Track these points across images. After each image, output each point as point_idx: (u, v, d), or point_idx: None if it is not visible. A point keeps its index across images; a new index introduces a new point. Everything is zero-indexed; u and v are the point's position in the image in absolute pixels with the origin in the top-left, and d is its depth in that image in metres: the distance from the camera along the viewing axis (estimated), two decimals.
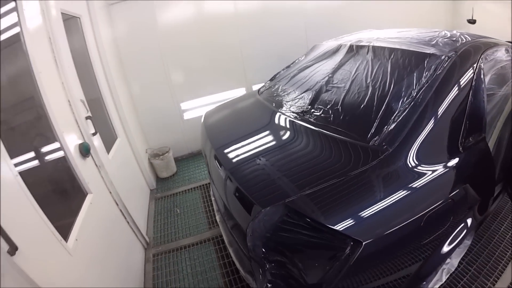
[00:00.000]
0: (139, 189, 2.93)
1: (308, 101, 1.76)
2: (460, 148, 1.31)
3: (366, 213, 1.07)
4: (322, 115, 1.60)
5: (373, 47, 1.80)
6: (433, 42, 1.64)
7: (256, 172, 1.36)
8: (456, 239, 1.33)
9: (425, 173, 1.20)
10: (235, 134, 1.76)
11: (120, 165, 2.43)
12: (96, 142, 1.93)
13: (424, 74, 1.43)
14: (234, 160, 1.49)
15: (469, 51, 1.50)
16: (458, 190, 1.26)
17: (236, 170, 1.41)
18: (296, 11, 3.55)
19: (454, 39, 1.64)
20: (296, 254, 1.10)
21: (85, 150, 1.72)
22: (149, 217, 2.81)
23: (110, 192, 2.02)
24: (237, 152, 1.55)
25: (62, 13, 1.81)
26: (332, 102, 1.63)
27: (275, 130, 1.67)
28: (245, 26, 3.44)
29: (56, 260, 1.18)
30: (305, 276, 1.05)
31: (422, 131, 1.26)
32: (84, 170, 1.69)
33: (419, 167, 1.21)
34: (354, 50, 1.90)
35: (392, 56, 1.65)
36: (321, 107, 1.65)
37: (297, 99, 1.84)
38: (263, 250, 1.10)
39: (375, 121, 1.36)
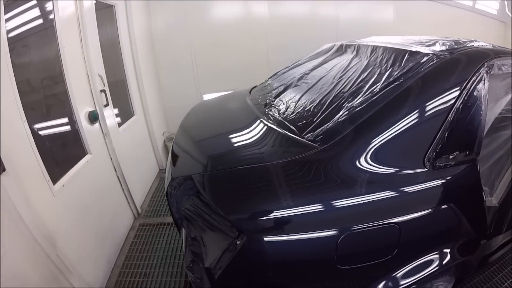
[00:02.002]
0: (147, 166, 3.36)
1: (274, 95, 1.88)
2: (426, 164, 1.15)
3: (267, 207, 1.04)
4: (278, 107, 1.67)
5: (358, 45, 1.81)
6: (433, 44, 1.52)
7: (195, 148, 1.54)
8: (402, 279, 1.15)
9: (359, 181, 1.11)
10: (206, 123, 1.97)
11: (130, 139, 2.85)
12: (107, 113, 2.34)
13: (395, 72, 1.35)
14: (184, 137, 1.70)
15: (469, 55, 1.34)
16: (412, 215, 1.10)
17: (180, 143, 1.60)
18: (328, 22, 3.72)
19: (464, 43, 1.47)
20: (201, 232, 1.13)
21: (93, 117, 2.14)
22: (149, 192, 3.21)
23: (111, 159, 2.43)
24: (194, 133, 1.75)
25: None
26: (291, 97, 1.71)
27: (237, 116, 1.86)
28: (275, 33, 3.72)
29: (39, 195, 1.55)
30: (205, 257, 1.08)
31: (369, 133, 1.18)
32: (88, 133, 2.10)
33: (356, 172, 1.11)
34: (342, 49, 1.98)
35: (371, 54, 1.63)
36: (281, 100, 1.75)
37: (269, 93, 1.96)
38: (181, 222, 1.24)
39: (319, 117, 1.36)
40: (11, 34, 1.50)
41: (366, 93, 1.35)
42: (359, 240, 1.06)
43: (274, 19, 3.70)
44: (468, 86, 1.25)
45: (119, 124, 2.70)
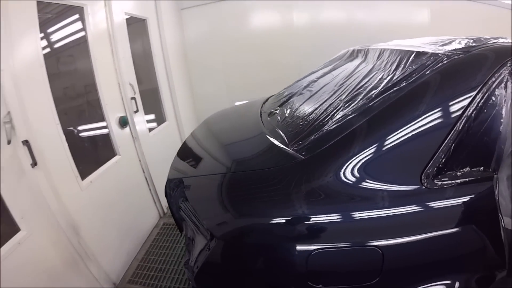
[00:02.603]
0: None
1: (279, 103, 1.90)
2: (423, 181, 1.02)
3: (239, 214, 1.10)
4: (277, 116, 1.69)
5: (367, 50, 1.73)
6: (449, 42, 1.38)
7: (191, 154, 1.67)
8: None
9: (338, 195, 1.05)
10: (213, 131, 2.04)
11: (161, 143, 3.11)
12: (137, 118, 2.61)
13: (396, 77, 1.27)
14: (189, 144, 1.85)
15: (488, 53, 1.18)
16: (399, 239, 0.99)
17: (184, 148, 1.76)
18: (359, 26, 3.64)
19: (485, 41, 1.31)
20: (192, 232, 1.20)
21: (123, 122, 2.41)
22: None
23: (140, 160, 2.68)
24: (197, 140, 1.86)
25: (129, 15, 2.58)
26: (291, 106, 1.70)
27: (243, 126, 1.90)
28: (305, 40, 3.75)
29: (68, 188, 1.80)
30: (191, 256, 1.17)
31: (359, 143, 1.11)
32: (118, 137, 2.37)
33: (336, 186, 1.05)
34: (354, 54, 1.92)
35: (378, 58, 1.55)
36: (282, 109, 1.75)
37: (277, 101, 1.97)
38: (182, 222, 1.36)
39: (310, 126, 1.34)
40: (48, 50, 1.80)
41: (361, 101, 1.28)
42: (333, 259, 1.00)
43: (303, 27, 3.74)
44: (485, 89, 1.08)
45: (151, 129, 2.96)
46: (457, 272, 1.06)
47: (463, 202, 1.03)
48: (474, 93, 1.08)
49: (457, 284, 1.04)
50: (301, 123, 1.43)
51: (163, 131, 3.24)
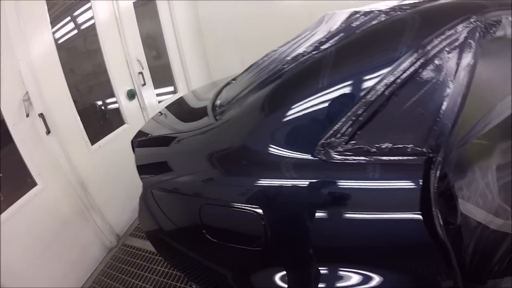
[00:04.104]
0: None
1: (231, 78, 1.95)
2: (317, 152, 0.98)
3: (156, 171, 1.36)
4: (229, 88, 1.74)
5: (334, 13, 1.56)
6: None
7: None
8: None
9: (236, 158, 1.12)
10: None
11: None
12: (144, 91, 2.98)
13: (323, 41, 1.22)
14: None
15: (435, 9, 1.07)
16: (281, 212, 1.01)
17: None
18: None
19: None
20: None
21: (131, 94, 2.80)
22: None
23: None
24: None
25: None
26: (236, 80, 1.78)
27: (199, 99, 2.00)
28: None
29: (78, 151, 2.25)
30: None
31: (265, 109, 1.16)
32: (127, 108, 2.77)
33: (238, 150, 1.13)
34: (321, 20, 1.69)
35: (328, 23, 1.45)
36: (230, 83, 1.85)
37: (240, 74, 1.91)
38: None
39: (237, 95, 1.41)
40: (60, 36, 2.18)
41: (278, 69, 1.27)
42: (219, 215, 1.12)
43: None
44: (421, 52, 0.95)
45: (160, 101, 3.34)
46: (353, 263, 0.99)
47: (373, 183, 0.94)
48: (402, 56, 0.96)
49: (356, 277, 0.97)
50: (234, 94, 1.48)
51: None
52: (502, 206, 1.15)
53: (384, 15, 1.12)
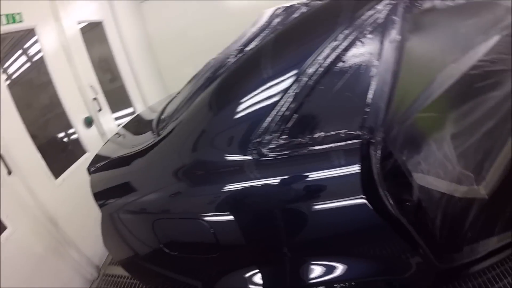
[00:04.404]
0: None
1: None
2: (251, 151, 0.99)
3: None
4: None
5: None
6: None
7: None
8: None
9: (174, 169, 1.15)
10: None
11: None
12: (101, 116, 2.94)
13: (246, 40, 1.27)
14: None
15: None
16: (225, 216, 1.01)
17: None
18: None
19: None
20: None
21: (88, 122, 2.75)
22: None
23: None
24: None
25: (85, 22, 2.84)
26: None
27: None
28: None
29: (43, 187, 2.18)
30: None
31: (196, 117, 1.21)
32: (86, 136, 2.72)
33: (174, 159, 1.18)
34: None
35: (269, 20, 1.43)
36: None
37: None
38: None
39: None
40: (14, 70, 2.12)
41: (216, 76, 1.29)
42: (171, 228, 1.14)
43: None
44: (346, 36, 0.97)
45: (120, 124, 3.30)
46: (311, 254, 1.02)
47: (313, 174, 0.93)
48: (321, 45, 0.98)
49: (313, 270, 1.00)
50: (174, 107, 1.50)
51: None
52: (463, 173, 1.15)
53: (304, 8, 1.15)
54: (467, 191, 1.15)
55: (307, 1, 1.21)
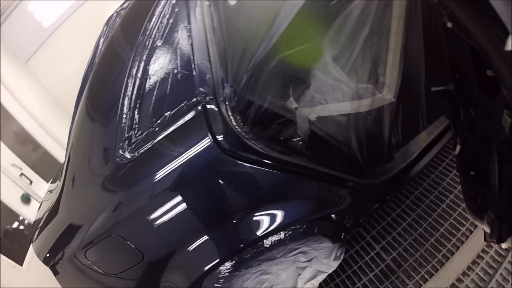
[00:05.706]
0: None
1: None
2: (120, 156, 1.05)
3: None
4: None
5: None
6: None
7: None
8: None
9: None
10: None
11: None
12: (36, 188, 2.94)
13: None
14: None
15: None
16: None
17: None
18: None
19: None
20: None
21: (25, 199, 2.76)
22: None
23: None
24: None
25: None
26: None
27: None
28: None
29: (14, 278, 2.23)
30: None
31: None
32: (30, 213, 2.73)
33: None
34: None
35: None
36: None
37: None
38: None
39: None
40: None
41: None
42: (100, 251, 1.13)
43: None
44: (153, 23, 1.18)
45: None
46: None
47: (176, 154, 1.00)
48: (135, 47, 1.14)
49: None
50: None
51: None
52: (361, 88, 1.16)
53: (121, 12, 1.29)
54: (372, 102, 1.16)
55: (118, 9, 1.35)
